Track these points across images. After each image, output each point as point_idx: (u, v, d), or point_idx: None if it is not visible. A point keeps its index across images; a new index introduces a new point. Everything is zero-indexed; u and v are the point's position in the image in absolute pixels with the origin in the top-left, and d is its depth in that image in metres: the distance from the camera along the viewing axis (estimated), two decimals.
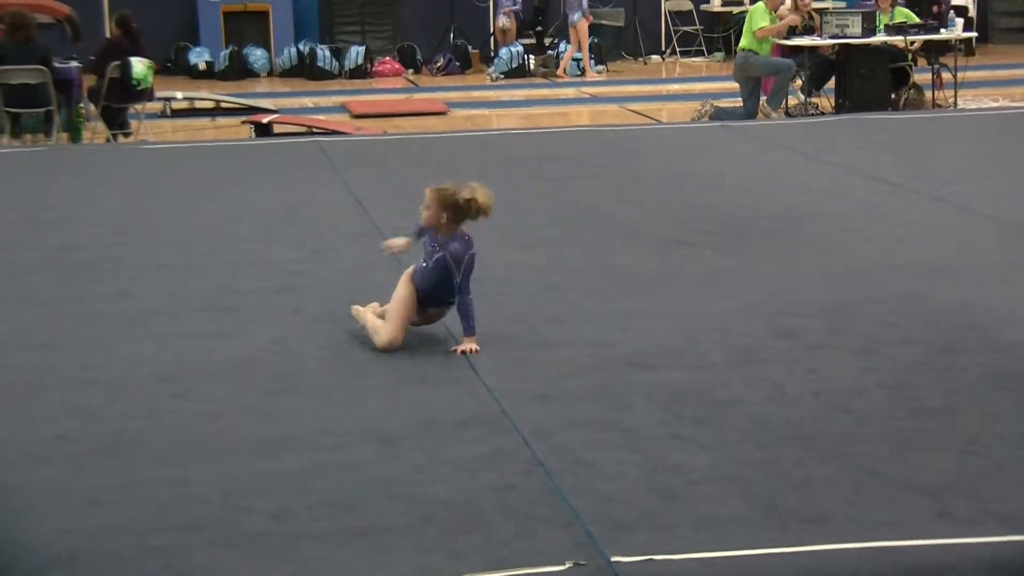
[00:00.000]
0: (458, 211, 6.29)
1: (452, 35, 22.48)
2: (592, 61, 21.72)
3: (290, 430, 5.27)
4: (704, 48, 23.70)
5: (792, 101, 15.49)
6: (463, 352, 6.16)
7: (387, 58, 22.20)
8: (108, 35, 14.66)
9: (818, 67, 15.47)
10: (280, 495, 4.63)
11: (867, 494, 4.58)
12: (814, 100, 15.45)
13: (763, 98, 15.15)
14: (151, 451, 5.08)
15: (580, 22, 21.35)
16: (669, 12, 22.37)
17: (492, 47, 22.53)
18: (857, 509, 4.46)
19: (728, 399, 5.54)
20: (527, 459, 4.92)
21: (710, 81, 19.71)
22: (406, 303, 6.32)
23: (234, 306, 7.10)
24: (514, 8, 22.26)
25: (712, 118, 14.99)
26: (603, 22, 23.10)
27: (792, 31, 15.36)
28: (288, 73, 21.84)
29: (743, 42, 15.25)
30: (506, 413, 5.39)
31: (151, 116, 15.48)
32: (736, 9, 21.99)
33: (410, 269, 6.42)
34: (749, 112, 15.21)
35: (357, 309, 6.56)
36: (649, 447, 5.02)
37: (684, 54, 23.58)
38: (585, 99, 18.79)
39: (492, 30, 22.42)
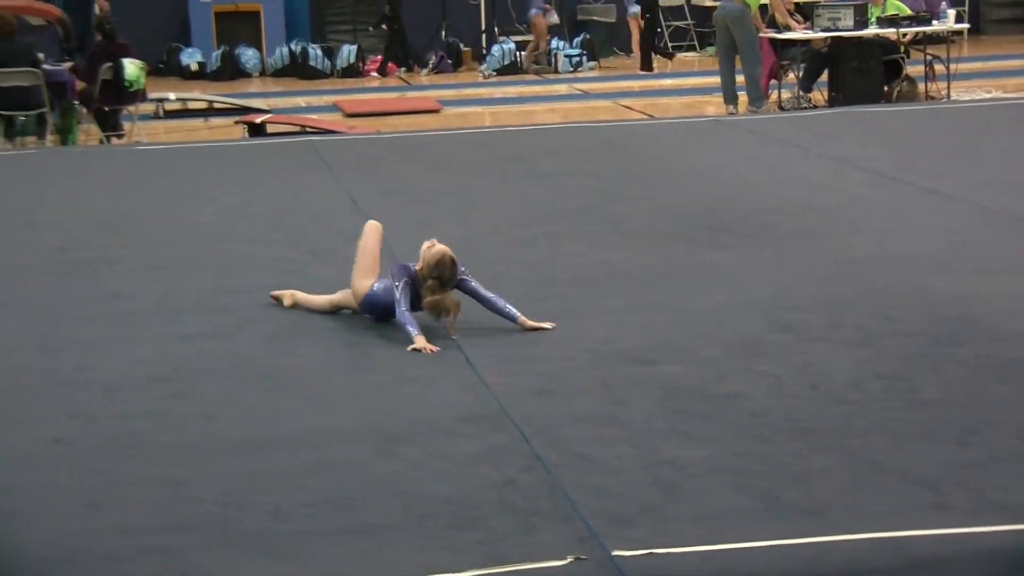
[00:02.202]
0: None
1: (444, 33, 22.46)
2: (584, 57, 21.71)
3: (287, 429, 5.27)
4: (696, 43, 23.68)
5: (785, 95, 15.49)
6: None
7: (379, 56, 22.17)
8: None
9: (811, 61, 15.46)
10: (278, 494, 4.63)
11: (865, 485, 4.58)
12: (808, 95, 15.45)
13: (741, 95, 15.13)
14: (148, 451, 5.08)
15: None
16: (660, 7, 22.33)
17: (484, 44, 22.52)
18: (855, 500, 4.46)
19: (726, 393, 5.54)
20: (526, 455, 4.92)
21: (702, 76, 19.69)
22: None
23: (230, 306, 7.09)
24: (543, 6, 22.25)
25: None
26: (594, 18, 23.09)
27: (773, 23, 15.37)
28: (280, 73, 21.81)
29: None
30: (504, 409, 5.39)
31: (144, 117, 15.46)
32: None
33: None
34: (725, 85, 15.08)
35: (277, 295, 6.98)
36: (648, 441, 5.02)
37: (676, 49, 23.56)
38: (578, 95, 18.78)
39: (529, 28, 22.43)
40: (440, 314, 6.34)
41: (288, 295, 7.03)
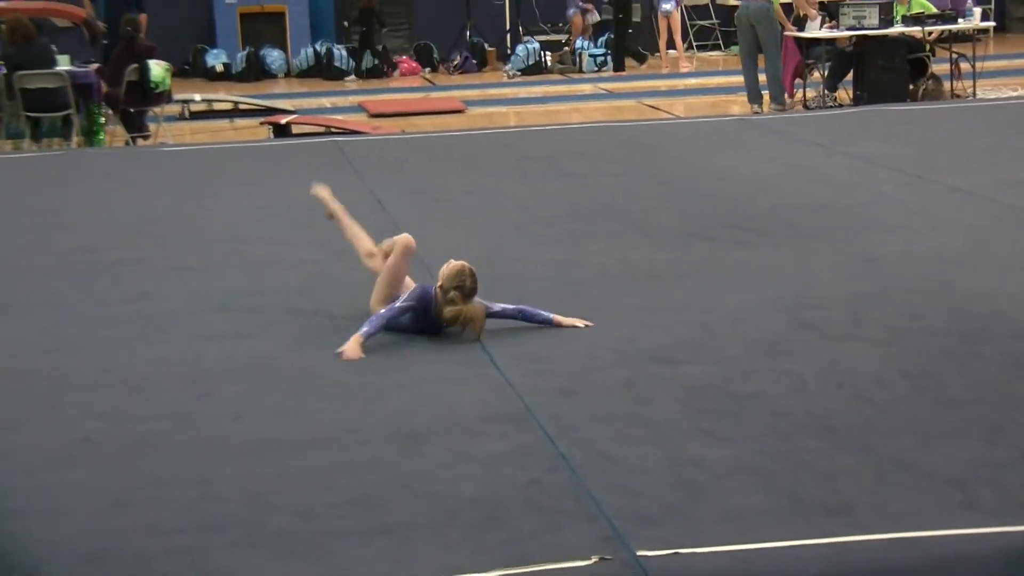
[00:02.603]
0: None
1: (468, 33, 22.49)
2: (608, 56, 21.70)
3: (313, 429, 5.28)
4: (721, 42, 23.66)
5: (810, 94, 15.46)
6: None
7: (404, 57, 22.22)
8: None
9: (837, 60, 15.42)
10: (304, 494, 4.64)
11: (891, 484, 4.57)
12: (833, 94, 15.41)
13: (766, 93, 15.13)
14: (175, 452, 5.10)
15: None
16: (686, 6, 22.33)
17: (509, 44, 22.53)
18: (881, 500, 4.45)
19: (750, 392, 5.54)
20: (551, 454, 4.92)
21: (727, 75, 19.67)
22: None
23: (255, 306, 7.11)
24: (581, 5, 22.26)
25: None
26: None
27: (799, 20, 15.37)
28: (305, 73, 21.88)
29: None
30: (529, 409, 5.39)
31: (169, 119, 15.53)
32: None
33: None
34: (749, 84, 15.09)
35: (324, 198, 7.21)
36: (672, 441, 5.02)
37: (701, 48, 23.54)
38: (602, 95, 18.77)
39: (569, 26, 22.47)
40: (466, 324, 6.33)
41: (335, 209, 7.16)
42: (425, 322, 6.41)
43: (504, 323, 6.53)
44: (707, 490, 4.57)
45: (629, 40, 21.24)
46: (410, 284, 6.59)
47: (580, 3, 22.24)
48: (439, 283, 6.39)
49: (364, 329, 6.25)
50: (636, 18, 23.23)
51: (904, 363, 5.83)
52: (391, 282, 6.60)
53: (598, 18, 22.55)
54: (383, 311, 6.39)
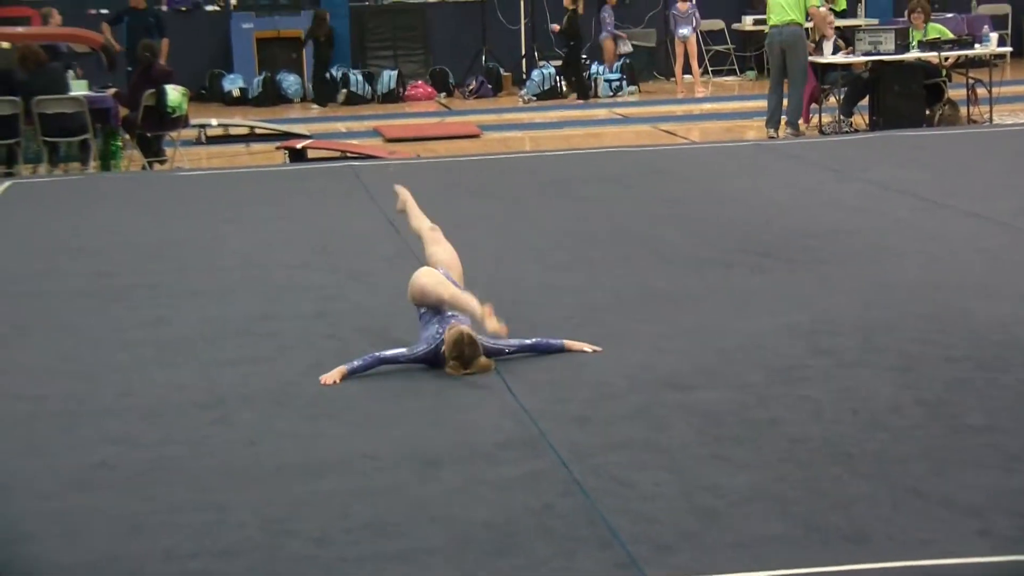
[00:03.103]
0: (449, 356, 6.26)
1: (484, 58, 22.55)
2: (624, 81, 21.74)
3: (329, 454, 5.29)
4: (736, 67, 23.69)
5: (826, 119, 15.46)
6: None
7: (419, 82, 22.28)
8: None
9: (852, 85, 15.43)
10: (320, 519, 4.64)
11: (907, 512, 4.55)
12: (849, 119, 15.41)
13: (783, 118, 15.15)
14: (191, 477, 5.11)
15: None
16: (701, 32, 22.36)
17: (524, 69, 22.59)
18: (897, 527, 4.44)
19: (766, 418, 5.52)
20: (565, 480, 4.92)
21: (742, 100, 19.69)
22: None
23: (271, 331, 7.13)
24: (613, 31, 22.31)
25: None
26: (635, 43, 23.12)
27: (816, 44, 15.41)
28: None
29: (791, 15, 14.83)
30: (544, 434, 5.39)
31: (186, 143, 15.59)
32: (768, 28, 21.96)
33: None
34: (772, 109, 15.12)
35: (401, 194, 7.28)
36: (688, 467, 5.01)
37: (716, 73, 23.57)
38: (618, 120, 18.79)
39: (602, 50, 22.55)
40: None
41: (405, 199, 7.30)
42: (428, 356, 6.32)
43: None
44: (722, 516, 4.56)
45: (577, 69, 21.25)
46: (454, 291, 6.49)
47: (612, 28, 22.25)
48: (444, 347, 6.26)
49: (355, 364, 6.23)
50: (651, 43, 23.31)
51: (920, 390, 5.81)
52: (447, 297, 6.43)
53: (629, 49, 22.58)
54: (388, 353, 6.29)
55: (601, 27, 22.48)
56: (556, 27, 21.44)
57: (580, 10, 21.04)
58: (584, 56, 21.63)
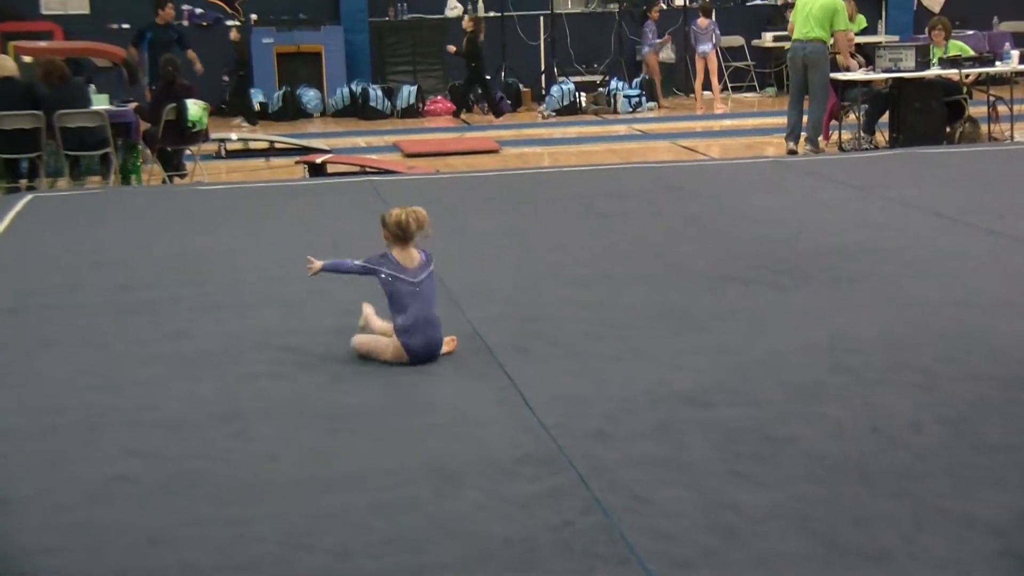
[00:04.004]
0: (388, 230, 6.85)
1: (503, 73, 22.59)
2: (643, 97, 21.76)
3: (348, 469, 5.29)
4: (756, 83, 23.69)
5: (846, 136, 15.44)
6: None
7: (439, 97, 22.33)
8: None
9: (873, 104, 15.41)
10: (339, 534, 4.64)
11: (929, 531, 4.54)
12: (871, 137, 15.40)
13: (803, 135, 15.14)
14: (211, 491, 5.11)
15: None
16: (720, 48, 22.38)
17: (544, 85, 22.62)
18: (919, 546, 4.42)
19: (786, 435, 5.51)
20: (584, 497, 4.91)
21: (762, 116, 19.68)
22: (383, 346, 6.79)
23: (291, 346, 7.14)
24: (655, 42, 22.33)
25: None
26: None
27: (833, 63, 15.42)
28: (341, 113, 22.01)
29: (816, 31, 14.90)
30: (563, 451, 5.38)
31: (206, 157, 15.64)
32: (787, 44, 21.98)
33: (386, 326, 6.84)
34: (793, 124, 15.12)
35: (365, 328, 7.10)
36: (707, 484, 5.00)
37: (735, 90, 23.58)
38: (637, 136, 18.80)
39: (643, 66, 22.59)
40: (408, 225, 6.78)
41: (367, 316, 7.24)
42: (392, 286, 6.74)
43: (538, 365, 6.53)
44: (742, 534, 4.55)
45: (485, 87, 21.24)
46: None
47: (655, 39, 22.22)
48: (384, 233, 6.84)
49: (329, 263, 6.99)
50: (671, 60, 23.31)
51: (942, 408, 5.80)
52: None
53: (673, 57, 22.56)
54: (344, 261, 6.98)
55: (642, 42, 22.43)
56: (453, 48, 21.42)
57: (481, 34, 20.98)
58: (488, 76, 21.58)
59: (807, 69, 15.00)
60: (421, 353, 6.65)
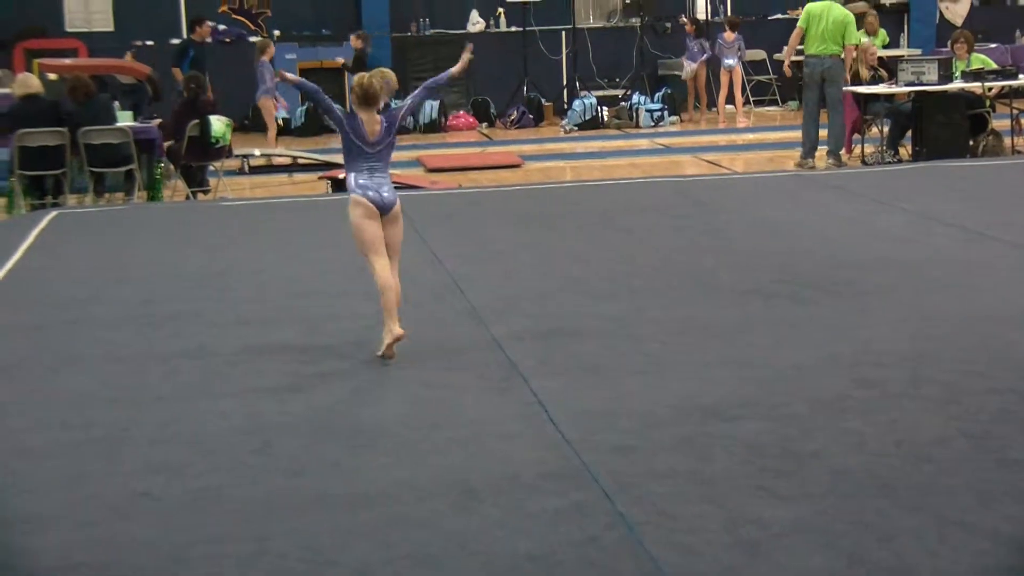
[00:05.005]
0: (354, 93, 7.03)
1: (525, 88, 22.61)
2: (665, 111, 21.74)
3: (370, 484, 5.29)
4: (778, 97, 23.66)
5: (868, 149, 15.40)
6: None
7: (461, 112, 22.36)
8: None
9: (896, 120, 15.36)
10: (361, 550, 4.64)
11: (953, 545, 4.51)
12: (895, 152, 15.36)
13: (825, 148, 15.14)
14: (233, 506, 5.12)
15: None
16: (743, 62, 22.35)
17: (566, 99, 22.63)
18: (943, 561, 4.40)
19: (810, 450, 5.49)
20: (608, 512, 4.90)
21: (784, 130, 19.65)
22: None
23: (313, 360, 7.15)
24: (702, 57, 22.29)
25: None
26: (676, 73, 23.13)
27: (856, 78, 15.42)
28: None
29: (832, 47, 15.05)
30: (587, 466, 5.37)
31: (229, 173, 15.68)
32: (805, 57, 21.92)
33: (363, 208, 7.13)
34: (811, 139, 15.13)
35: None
36: (731, 499, 4.98)
37: (758, 103, 23.54)
38: (659, 150, 18.79)
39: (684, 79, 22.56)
40: (370, 87, 6.95)
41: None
42: (349, 144, 7.08)
43: (561, 379, 6.53)
44: (766, 549, 4.53)
45: None
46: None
47: (697, 52, 22.10)
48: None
49: (300, 80, 7.50)
50: (684, 74, 23.28)
51: (966, 422, 5.77)
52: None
53: (733, 62, 22.46)
54: (317, 89, 7.22)
55: (690, 57, 22.33)
56: (341, 60, 21.34)
57: (368, 49, 20.85)
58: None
59: (825, 83, 15.12)
60: (377, 205, 7.13)
